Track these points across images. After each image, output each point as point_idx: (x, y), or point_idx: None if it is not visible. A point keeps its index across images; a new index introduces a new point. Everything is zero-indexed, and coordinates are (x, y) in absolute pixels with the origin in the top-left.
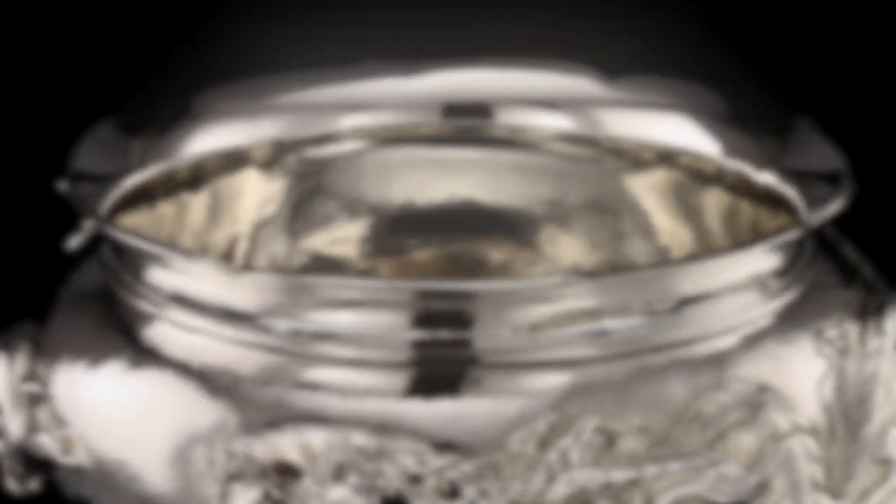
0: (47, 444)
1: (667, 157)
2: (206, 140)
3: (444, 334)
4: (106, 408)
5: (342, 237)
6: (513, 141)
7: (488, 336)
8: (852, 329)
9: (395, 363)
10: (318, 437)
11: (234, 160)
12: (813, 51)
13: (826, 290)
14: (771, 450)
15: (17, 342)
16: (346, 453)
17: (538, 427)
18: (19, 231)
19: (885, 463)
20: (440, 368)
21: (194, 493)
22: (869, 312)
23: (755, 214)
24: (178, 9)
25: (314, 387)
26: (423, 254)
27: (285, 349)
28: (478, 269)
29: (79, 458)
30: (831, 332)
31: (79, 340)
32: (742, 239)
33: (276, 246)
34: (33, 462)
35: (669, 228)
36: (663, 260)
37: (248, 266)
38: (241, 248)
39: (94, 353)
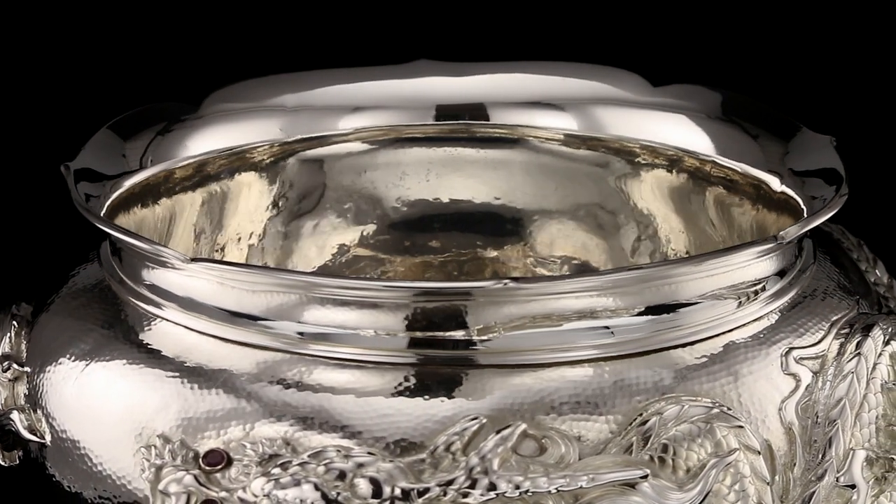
0: (15, 420)
1: (670, 158)
2: (207, 140)
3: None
4: (70, 390)
5: (342, 237)
6: (515, 141)
7: (471, 335)
8: (833, 347)
9: (356, 361)
10: (250, 429)
11: (235, 160)
12: (812, 52)
13: (816, 302)
14: (715, 467)
15: (6, 322)
16: (275, 446)
17: (469, 429)
18: (31, 230)
19: (848, 489)
20: (399, 364)
21: (134, 476)
22: (853, 332)
23: (760, 217)
24: (178, 12)
25: (265, 379)
26: (424, 254)
27: (240, 341)
28: (479, 268)
29: (41, 435)
30: (807, 350)
31: (60, 326)
32: (719, 248)
33: (277, 245)
34: (10, 436)
35: (672, 230)
36: (633, 265)
37: (198, 257)
38: (241, 248)
39: (67, 338)
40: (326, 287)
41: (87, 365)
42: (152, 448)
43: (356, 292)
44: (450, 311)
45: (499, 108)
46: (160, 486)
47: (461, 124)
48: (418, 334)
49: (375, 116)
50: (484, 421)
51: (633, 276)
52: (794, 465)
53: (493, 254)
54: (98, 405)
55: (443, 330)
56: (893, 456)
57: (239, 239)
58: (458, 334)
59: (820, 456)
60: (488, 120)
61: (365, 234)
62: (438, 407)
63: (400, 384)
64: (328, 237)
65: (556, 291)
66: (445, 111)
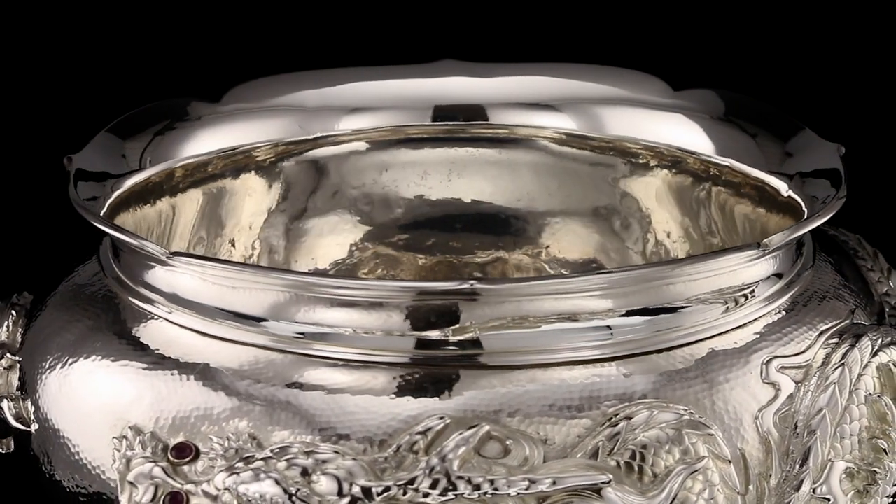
0: (3, 408)
1: (671, 158)
2: (208, 140)
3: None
4: (54, 380)
5: (342, 237)
6: (529, 142)
7: (446, 336)
8: (819, 356)
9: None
10: (219, 423)
11: (235, 161)
12: (811, 52)
13: (808, 310)
14: (680, 474)
15: (5, 311)
16: (241, 440)
17: (433, 429)
18: (39, 226)
19: (825, 501)
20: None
21: (108, 466)
22: (841, 342)
23: (763, 218)
24: (178, 13)
25: (236, 374)
26: (423, 254)
27: (217, 336)
28: (478, 268)
29: (28, 424)
30: (791, 359)
31: (51, 319)
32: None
33: (276, 245)
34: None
35: (685, 233)
36: (609, 268)
37: (179, 251)
38: (242, 248)
39: (56, 330)
40: (307, 285)
41: (70, 356)
42: (124, 439)
43: (330, 290)
44: (423, 311)
45: (513, 109)
46: (129, 477)
47: (478, 125)
48: (395, 333)
49: (392, 116)
50: (448, 421)
51: (608, 280)
52: (770, 475)
53: (510, 255)
54: (78, 396)
55: (416, 330)
56: (876, 469)
57: (233, 239)
58: (433, 334)
59: (797, 466)
60: (501, 121)
61: (382, 232)
62: (404, 406)
63: (367, 382)
64: (346, 235)
65: (526, 293)
66: (454, 111)
